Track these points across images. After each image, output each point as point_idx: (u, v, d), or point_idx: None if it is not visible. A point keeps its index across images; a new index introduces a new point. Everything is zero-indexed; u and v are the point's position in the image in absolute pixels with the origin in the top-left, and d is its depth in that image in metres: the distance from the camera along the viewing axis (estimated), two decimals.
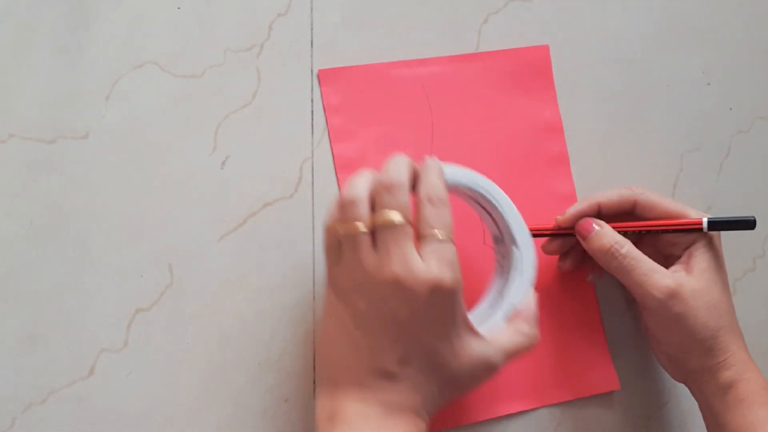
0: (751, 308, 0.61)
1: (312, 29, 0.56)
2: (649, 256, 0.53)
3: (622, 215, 0.55)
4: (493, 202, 0.51)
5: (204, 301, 0.53)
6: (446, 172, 0.49)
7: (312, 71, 0.56)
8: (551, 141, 0.59)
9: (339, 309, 0.47)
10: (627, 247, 0.52)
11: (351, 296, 0.46)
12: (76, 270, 0.52)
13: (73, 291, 0.52)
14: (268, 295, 0.54)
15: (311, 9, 0.56)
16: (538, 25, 0.60)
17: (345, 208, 0.46)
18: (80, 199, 0.52)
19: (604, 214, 0.55)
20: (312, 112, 0.56)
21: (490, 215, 0.52)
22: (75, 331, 0.51)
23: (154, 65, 0.54)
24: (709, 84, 0.62)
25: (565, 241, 0.56)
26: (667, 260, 0.54)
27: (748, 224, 0.53)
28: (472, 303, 0.52)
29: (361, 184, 0.47)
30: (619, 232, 0.53)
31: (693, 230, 0.53)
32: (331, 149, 0.56)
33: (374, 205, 0.47)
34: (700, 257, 0.53)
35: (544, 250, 0.56)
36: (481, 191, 0.51)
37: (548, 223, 0.56)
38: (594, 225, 0.53)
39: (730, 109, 0.63)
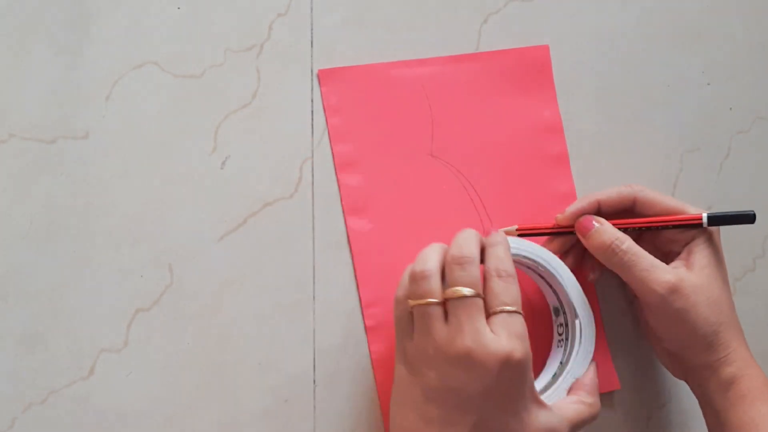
0: (751, 308, 0.61)
1: (312, 29, 0.56)
2: (649, 253, 0.53)
3: (622, 213, 0.55)
4: (555, 274, 0.53)
5: (204, 301, 0.53)
6: (510, 244, 0.51)
7: (312, 71, 0.56)
8: (551, 141, 0.59)
9: (409, 380, 0.48)
10: (627, 243, 0.52)
11: (422, 369, 0.47)
12: (76, 270, 0.52)
13: (73, 291, 0.52)
14: (268, 295, 0.54)
15: (311, 9, 0.56)
16: (538, 25, 0.60)
17: (418, 282, 0.48)
18: (80, 199, 0.52)
19: (603, 212, 0.55)
20: (312, 112, 0.56)
21: (551, 287, 0.54)
22: (75, 331, 0.51)
23: (154, 65, 0.54)
24: (709, 84, 0.62)
25: (565, 240, 0.56)
26: (666, 257, 0.54)
27: (747, 218, 0.53)
28: (533, 373, 0.53)
29: (432, 258, 0.49)
30: (618, 229, 0.53)
31: (693, 225, 0.53)
32: (331, 149, 0.56)
33: (444, 277, 0.48)
34: (700, 253, 0.53)
35: (546, 248, 0.56)
36: (544, 264, 0.53)
37: (548, 222, 0.56)
38: (594, 222, 0.53)
39: (730, 109, 0.63)
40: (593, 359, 0.53)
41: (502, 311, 0.47)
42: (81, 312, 0.52)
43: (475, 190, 0.57)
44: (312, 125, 0.56)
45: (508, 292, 0.48)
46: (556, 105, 0.59)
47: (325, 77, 0.56)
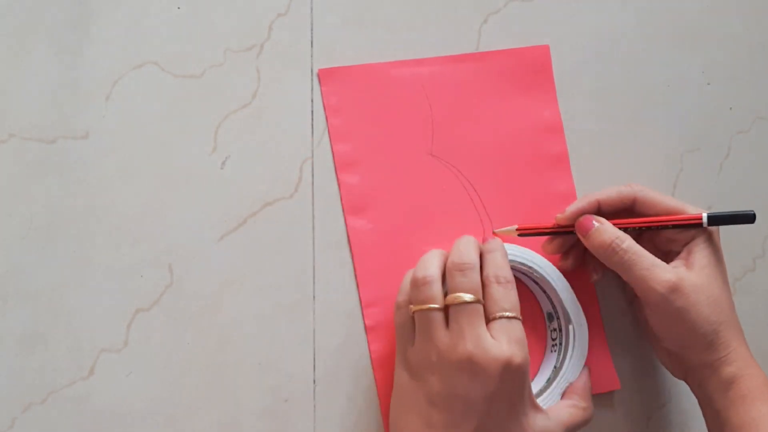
0: (751, 308, 0.61)
1: (312, 29, 0.56)
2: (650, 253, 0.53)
3: (622, 213, 0.55)
4: (549, 280, 0.54)
5: (204, 301, 0.53)
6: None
7: (312, 71, 0.56)
8: (551, 141, 0.59)
9: (411, 385, 0.49)
10: (628, 242, 0.52)
11: (425, 374, 0.48)
12: (76, 270, 0.52)
13: (73, 291, 0.52)
14: (268, 295, 0.54)
15: (311, 9, 0.56)
16: (538, 25, 0.60)
17: (420, 288, 0.49)
18: (80, 199, 0.52)
19: (603, 211, 0.55)
20: (312, 112, 0.56)
21: (545, 292, 0.55)
22: (75, 331, 0.51)
23: (154, 65, 0.54)
24: (709, 84, 0.62)
25: (565, 240, 0.56)
26: (666, 257, 0.54)
27: (747, 218, 0.53)
28: None
29: (434, 264, 0.50)
30: (618, 229, 0.53)
31: (693, 225, 0.53)
32: (332, 149, 0.56)
33: (445, 284, 0.50)
34: (699, 253, 0.53)
35: (545, 249, 0.56)
36: (539, 270, 0.54)
37: (548, 222, 0.56)
38: (594, 222, 0.53)
39: (730, 109, 0.63)
40: (586, 364, 0.54)
41: (501, 317, 0.48)
42: (81, 312, 0.52)
43: (475, 189, 0.57)
44: (312, 125, 0.56)
45: (507, 298, 0.49)
46: (556, 105, 0.59)
47: (325, 77, 0.56)
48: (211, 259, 0.53)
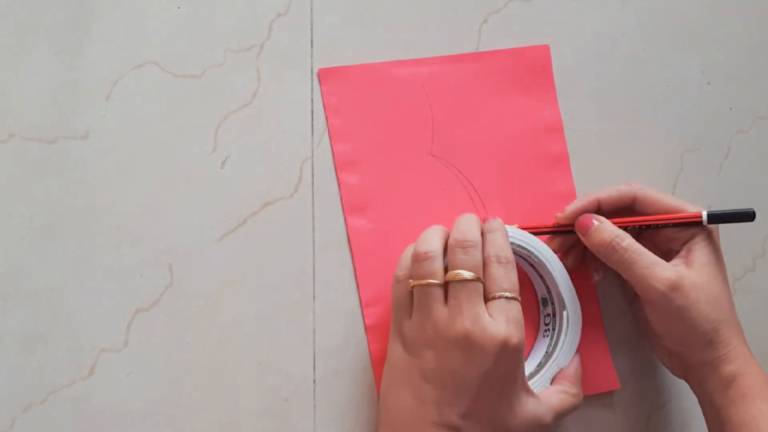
0: (751, 308, 0.61)
1: (312, 29, 0.56)
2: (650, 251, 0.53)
3: (622, 211, 0.55)
4: (546, 265, 0.54)
5: (204, 301, 0.53)
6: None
7: (312, 71, 0.56)
8: (551, 141, 0.59)
9: (404, 360, 0.49)
10: (628, 240, 0.52)
11: (420, 349, 0.48)
12: (76, 270, 0.52)
13: (73, 291, 0.52)
14: (268, 295, 0.54)
15: (311, 9, 0.56)
16: (538, 24, 0.60)
17: (421, 263, 0.49)
18: (80, 199, 0.52)
19: (603, 210, 0.55)
20: (312, 112, 0.56)
21: (541, 277, 0.55)
22: (75, 331, 0.51)
23: (154, 65, 0.54)
24: (709, 84, 0.62)
25: (565, 239, 0.56)
26: (666, 255, 0.54)
27: (747, 216, 0.53)
28: None
29: (435, 239, 0.50)
30: (618, 227, 0.53)
31: (693, 224, 0.53)
32: (332, 148, 0.56)
33: (445, 259, 0.50)
34: (699, 251, 0.53)
35: None
36: (537, 254, 0.54)
37: (548, 221, 0.56)
38: (594, 220, 0.53)
39: (730, 109, 0.63)
40: (584, 357, 0.54)
41: (501, 297, 0.48)
42: (81, 312, 0.52)
43: (475, 189, 0.57)
44: (312, 125, 0.56)
45: (507, 278, 0.49)
46: (557, 105, 0.59)
47: (325, 76, 0.56)
48: (211, 259, 0.53)
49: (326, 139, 0.56)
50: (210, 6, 0.55)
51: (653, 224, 0.54)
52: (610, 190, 0.55)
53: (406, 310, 0.50)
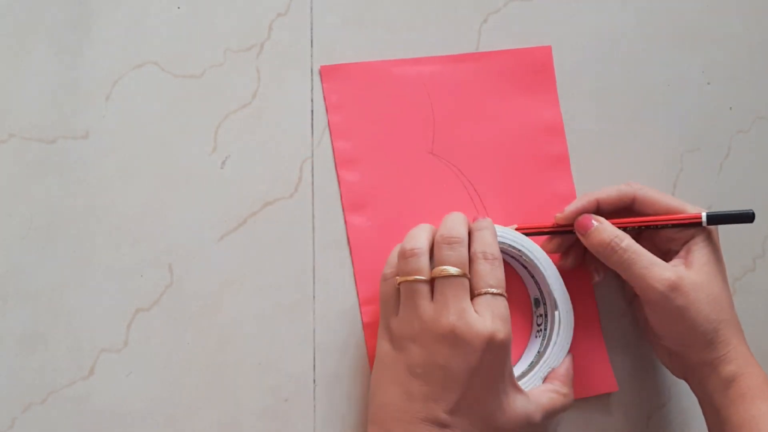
0: (751, 308, 0.61)
1: (312, 29, 0.56)
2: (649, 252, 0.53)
3: (621, 212, 0.55)
4: (538, 265, 0.54)
5: (204, 301, 0.53)
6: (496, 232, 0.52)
7: (312, 71, 0.56)
8: (552, 141, 0.59)
9: (393, 356, 0.49)
10: (627, 240, 0.52)
11: (406, 344, 0.49)
12: (76, 270, 0.52)
13: (73, 291, 0.52)
14: (268, 295, 0.54)
15: (311, 9, 0.56)
16: (538, 25, 0.60)
17: (407, 260, 0.49)
18: (80, 199, 0.52)
19: (603, 210, 0.55)
20: (312, 111, 0.56)
21: (533, 277, 0.55)
22: (75, 331, 0.51)
23: (154, 65, 0.54)
24: (709, 84, 0.62)
25: (564, 239, 0.56)
26: (665, 256, 0.54)
27: (746, 217, 0.53)
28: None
29: (422, 237, 0.50)
30: (618, 228, 0.53)
31: (692, 224, 0.53)
32: (332, 146, 0.56)
33: (433, 257, 0.50)
34: (699, 252, 0.53)
35: (545, 248, 0.56)
36: (528, 254, 0.54)
37: (548, 221, 0.56)
38: (593, 221, 0.53)
39: (730, 109, 0.63)
40: (570, 351, 0.54)
41: (487, 293, 0.49)
42: (81, 312, 0.52)
43: (475, 189, 0.57)
44: (312, 125, 0.56)
45: (493, 274, 0.49)
46: (558, 106, 0.59)
47: (327, 74, 0.56)
48: (211, 259, 0.53)
49: (326, 139, 0.56)
50: (210, 6, 0.55)
51: (653, 225, 0.54)
52: (609, 190, 0.55)
53: (393, 306, 0.50)
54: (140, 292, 0.52)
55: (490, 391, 0.48)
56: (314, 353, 0.54)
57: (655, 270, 0.51)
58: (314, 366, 0.54)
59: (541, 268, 0.54)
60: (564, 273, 0.55)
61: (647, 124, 0.61)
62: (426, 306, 0.48)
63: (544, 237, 0.56)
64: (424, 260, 0.49)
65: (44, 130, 0.52)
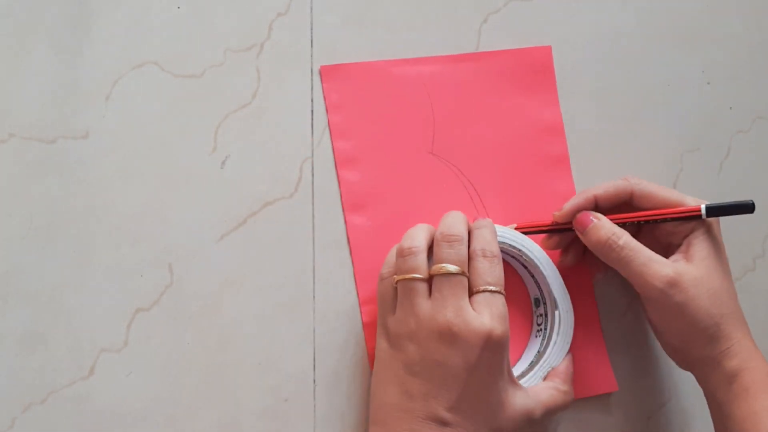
0: (751, 308, 0.60)
1: (312, 29, 0.56)
2: (649, 246, 0.53)
3: (620, 207, 0.55)
4: (538, 265, 0.54)
5: (204, 301, 0.53)
6: (496, 232, 0.52)
7: (312, 71, 0.56)
8: (552, 141, 0.59)
9: (391, 355, 0.49)
10: (624, 238, 0.52)
11: (403, 343, 0.49)
12: (76, 270, 0.52)
13: (73, 291, 0.52)
14: (268, 295, 0.54)
15: (311, 9, 0.56)
16: (537, 24, 0.60)
17: (405, 258, 0.49)
18: (80, 199, 0.52)
19: (601, 207, 0.55)
20: (312, 111, 0.56)
21: (533, 277, 0.55)
22: (75, 331, 0.51)
23: (154, 65, 0.54)
24: (709, 84, 0.62)
25: (564, 237, 0.56)
26: (667, 249, 0.54)
27: (746, 208, 0.52)
28: (510, 360, 0.53)
29: (420, 236, 0.50)
30: (617, 223, 0.53)
31: (692, 217, 0.53)
32: (332, 145, 0.56)
33: (431, 256, 0.50)
34: (699, 245, 0.53)
35: (545, 244, 0.56)
36: (528, 254, 0.54)
37: (547, 220, 0.56)
38: (591, 218, 0.53)
39: (730, 108, 0.63)
40: (569, 351, 0.55)
41: (485, 290, 0.49)
42: (81, 312, 0.52)
43: (475, 189, 0.57)
44: (312, 125, 0.56)
45: (492, 272, 0.49)
46: (558, 106, 0.59)
47: (327, 73, 0.56)
48: (211, 259, 0.53)
49: (326, 139, 0.56)
50: (210, 6, 0.55)
51: (652, 219, 0.54)
52: (606, 185, 0.55)
53: (391, 305, 0.50)
54: (140, 292, 0.52)
55: (490, 388, 0.48)
56: (314, 353, 0.54)
57: (653, 267, 0.51)
58: (314, 366, 0.54)
59: (541, 267, 0.54)
60: (564, 272, 0.55)
61: (647, 124, 0.61)
62: (423, 304, 0.48)
63: (544, 234, 0.56)
64: (422, 258, 0.49)
65: (44, 130, 0.52)
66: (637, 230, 0.55)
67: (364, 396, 0.54)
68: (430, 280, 0.49)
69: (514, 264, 0.56)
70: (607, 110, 0.60)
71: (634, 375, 0.59)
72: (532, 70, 0.59)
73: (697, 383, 0.54)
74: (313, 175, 0.55)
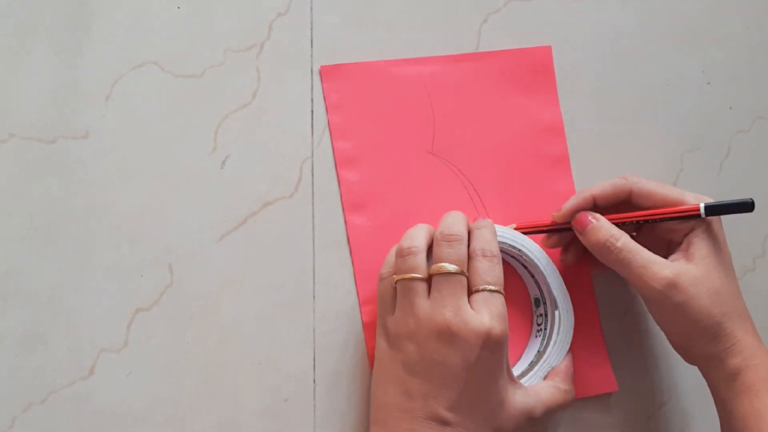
0: (751, 308, 0.60)
1: (312, 29, 0.56)
2: (650, 244, 0.53)
3: (620, 205, 0.54)
4: (538, 265, 0.54)
5: (204, 301, 0.53)
6: (497, 232, 0.52)
7: (312, 71, 0.56)
8: (552, 141, 0.59)
9: (390, 355, 0.49)
10: (623, 239, 0.52)
11: (402, 342, 0.49)
12: (76, 270, 0.52)
13: (73, 291, 0.52)
14: (268, 295, 0.54)
15: (311, 9, 0.56)
16: (538, 24, 0.60)
17: (404, 258, 0.50)
18: (80, 199, 0.52)
19: (600, 206, 0.54)
20: (312, 111, 0.56)
21: (533, 277, 0.55)
22: (75, 331, 0.51)
23: (154, 65, 0.54)
24: (709, 84, 0.62)
25: (563, 236, 0.56)
26: (668, 246, 0.54)
27: (746, 206, 0.52)
28: (510, 360, 0.54)
29: (420, 236, 0.50)
30: (616, 223, 0.53)
31: (691, 216, 0.53)
32: (332, 145, 0.56)
33: (431, 256, 0.50)
34: (699, 243, 0.52)
35: (545, 243, 0.56)
36: (528, 254, 0.54)
37: (547, 220, 0.56)
38: (590, 219, 0.53)
39: (730, 108, 0.63)
40: (569, 351, 0.55)
41: (484, 290, 0.49)
42: (81, 312, 0.52)
43: (475, 189, 0.57)
44: (312, 125, 0.56)
45: (491, 271, 0.49)
46: (558, 106, 0.59)
47: (327, 73, 0.56)
48: (211, 259, 0.53)
49: (326, 138, 0.56)
50: (210, 6, 0.55)
51: (651, 219, 0.53)
52: (604, 185, 0.55)
53: (390, 305, 0.50)
54: (140, 292, 0.52)
55: (489, 387, 0.48)
56: (314, 353, 0.54)
57: (652, 268, 0.51)
58: (314, 366, 0.54)
59: (541, 267, 0.54)
60: (564, 272, 0.55)
61: (647, 124, 0.61)
62: (422, 303, 0.48)
63: (544, 234, 0.56)
64: (421, 258, 0.49)
65: (44, 130, 0.52)
66: (637, 228, 0.54)
67: (364, 396, 0.54)
68: (429, 279, 0.49)
69: (514, 264, 0.56)
70: (607, 110, 0.60)
71: (634, 375, 0.59)
72: (532, 70, 0.59)
73: (697, 382, 0.54)
74: (313, 175, 0.55)
